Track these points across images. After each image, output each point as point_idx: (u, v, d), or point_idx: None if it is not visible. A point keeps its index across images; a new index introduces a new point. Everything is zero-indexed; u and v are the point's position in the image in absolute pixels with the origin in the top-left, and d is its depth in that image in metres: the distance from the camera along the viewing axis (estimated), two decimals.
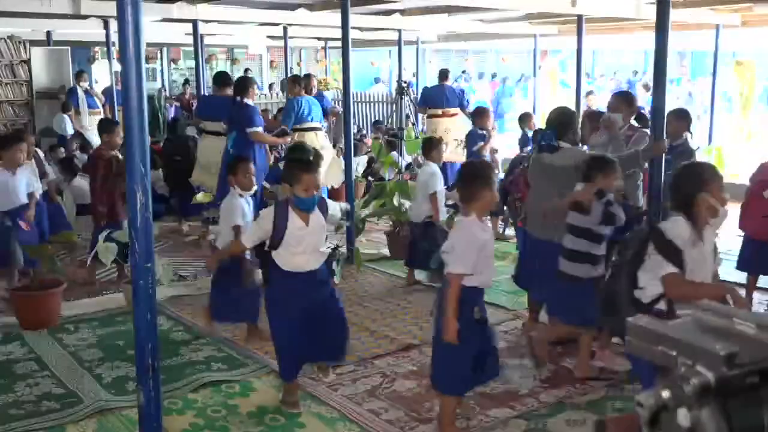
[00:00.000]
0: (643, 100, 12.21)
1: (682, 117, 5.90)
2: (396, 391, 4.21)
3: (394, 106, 14.90)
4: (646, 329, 1.29)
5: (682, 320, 1.31)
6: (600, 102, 13.37)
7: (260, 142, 7.33)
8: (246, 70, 18.56)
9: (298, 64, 19.49)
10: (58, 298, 5.45)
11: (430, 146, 6.40)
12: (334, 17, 9.71)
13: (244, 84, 7.46)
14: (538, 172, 4.84)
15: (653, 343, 1.26)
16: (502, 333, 5.14)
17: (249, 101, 7.32)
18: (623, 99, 5.51)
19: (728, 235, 5.79)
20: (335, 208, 4.63)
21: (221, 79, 8.24)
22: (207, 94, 8.21)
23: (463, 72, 20.15)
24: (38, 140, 11.07)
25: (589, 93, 13.08)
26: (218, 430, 3.79)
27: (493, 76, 20.49)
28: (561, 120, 4.86)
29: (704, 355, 1.18)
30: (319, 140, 8.81)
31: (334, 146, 9.58)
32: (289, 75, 13.67)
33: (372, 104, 17.33)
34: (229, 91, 7.73)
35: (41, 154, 8.09)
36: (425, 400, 4.07)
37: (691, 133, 5.92)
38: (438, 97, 10.39)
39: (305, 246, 3.88)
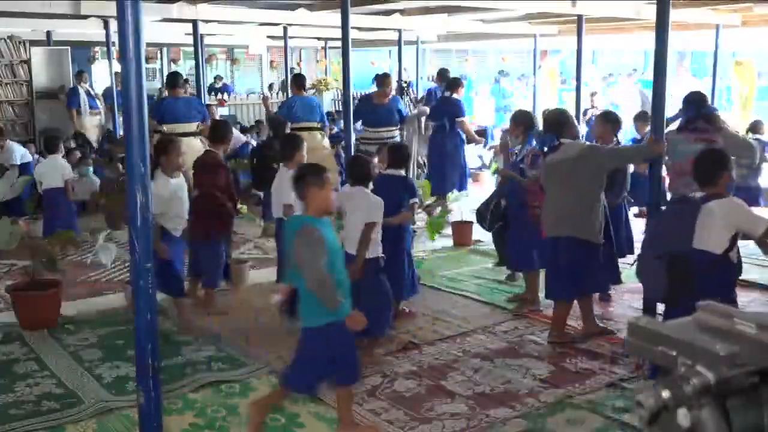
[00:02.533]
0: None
1: (610, 121, 5.83)
2: (396, 391, 4.21)
3: None
4: (646, 329, 1.29)
5: (682, 320, 1.31)
6: (603, 102, 13.38)
7: (465, 131, 9.01)
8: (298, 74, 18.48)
9: (298, 64, 19.48)
10: (58, 298, 5.45)
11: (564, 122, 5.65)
12: (334, 17, 9.71)
13: (456, 83, 9.25)
14: (547, 173, 4.99)
15: (653, 343, 1.26)
16: (501, 333, 5.15)
17: (457, 96, 9.11)
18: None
19: None
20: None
21: (177, 80, 8.33)
22: (159, 98, 8.23)
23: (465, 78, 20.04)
24: (39, 140, 11.10)
25: (594, 93, 13.08)
26: (218, 430, 3.79)
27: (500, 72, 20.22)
28: (559, 120, 5.05)
29: (704, 355, 1.17)
30: (315, 140, 8.81)
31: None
32: (290, 75, 13.69)
33: None
34: (182, 92, 8.24)
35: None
36: (425, 400, 4.07)
37: (616, 137, 5.85)
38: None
39: None
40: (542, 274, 5.51)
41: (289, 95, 12.95)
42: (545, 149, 5.09)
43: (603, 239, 4.87)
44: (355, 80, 10.07)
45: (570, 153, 4.77)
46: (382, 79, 8.93)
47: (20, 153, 9.34)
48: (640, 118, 8.13)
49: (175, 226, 5.24)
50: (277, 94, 17.27)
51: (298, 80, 9.32)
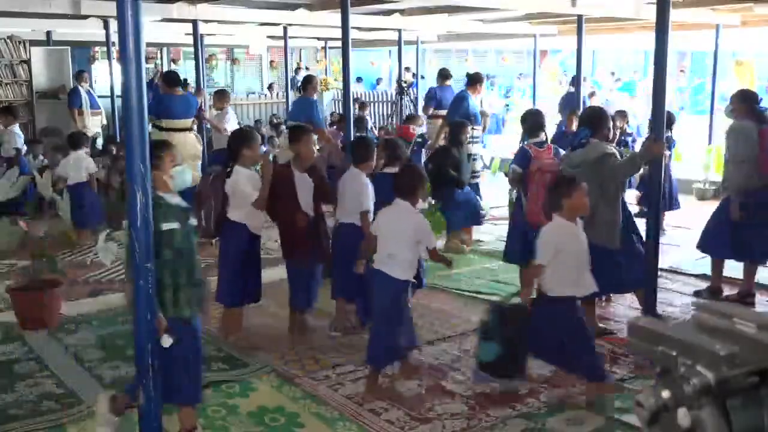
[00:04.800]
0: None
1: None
2: (396, 390, 4.21)
3: (394, 106, 14.92)
4: (647, 329, 1.29)
5: (682, 320, 1.31)
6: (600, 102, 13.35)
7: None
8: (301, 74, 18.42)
9: (298, 64, 19.49)
10: (58, 298, 5.45)
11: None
12: (334, 17, 9.72)
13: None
14: (569, 171, 4.99)
15: (653, 343, 1.26)
16: None
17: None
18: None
19: None
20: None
21: (174, 78, 8.70)
22: (159, 93, 8.71)
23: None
24: (39, 140, 11.09)
25: (592, 94, 13.06)
26: (218, 430, 3.79)
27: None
28: (593, 119, 5.06)
29: (704, 355, 1.17)
30: None
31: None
32: (289, 75, 13.71)
33: (373, 104, 17.34)
34: (179, 90, 8.60)
35: None
36: (425, 400, 4.07)
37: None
38: (444, 99, 10.42)
39: None
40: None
41: (288, 95, 13.04)
42: (574, 144, 5.10)
43: (619, 243, 4.82)
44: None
45: (591, 155, 4.81)
46: (479, 78, 9.26)
47: (21, 140, 9.64)
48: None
49: (257, 225, 4.95)
50: (277, 94, 17.27)
51: (305, 81, 9.42)
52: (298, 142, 5.10)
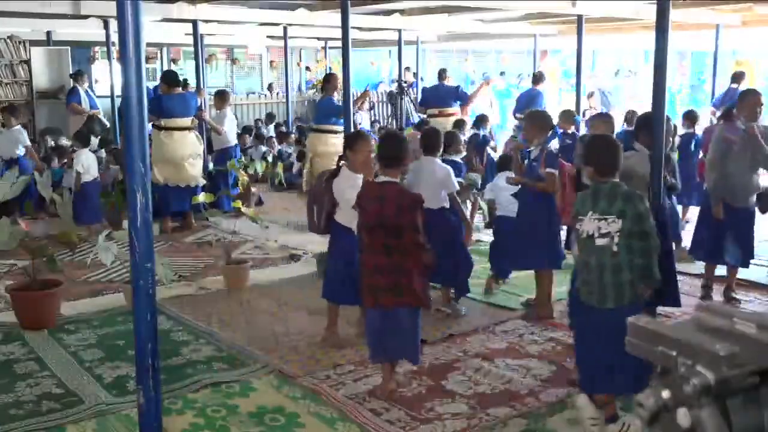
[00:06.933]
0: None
1: (605, 122, 5.77)
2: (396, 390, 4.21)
3: (394, 106, 14.92)
4: (646, 329, 1.29)
5: (682, 320, 1.31)
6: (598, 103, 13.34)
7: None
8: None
9: (298, 64, 19.48)
10: (58, 298, 5.45)
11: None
12: (334, 17, 9.72)
13: (741, 76, 10.03)
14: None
15: (653, 343, 1.26)
16: (502, 333, 5.15)
17: (736, 86, 9.72)
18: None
19: None
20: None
21: (174, 78, 8.73)
22: (159, 94, 8.75)
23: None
24: (39, 140, 11.11)
25: (591, 94, 13.05)
26: (218, 430, 3.79)
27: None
28: (639, 122, 4.98)
29: (704, 355, 1.17)
30: (320, 142, 8.91)
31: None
32: (288, 75, 13.70)
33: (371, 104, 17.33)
34: (179, 89, 8.67)
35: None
36: (425, 400, 4.07)
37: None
38: (433, 98, 10.50)
39: None
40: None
41: (288, 95, 13.05)
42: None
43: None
44: (356, 80, 10.11)
45: (627, 164, 4.54)
46: (544, 75, 10.46)
47: (24, 142, 9.68)
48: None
49: (352, 225, 4.74)
50: (277, 94, 17.27)
51: (322, 82, 9.34)
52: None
